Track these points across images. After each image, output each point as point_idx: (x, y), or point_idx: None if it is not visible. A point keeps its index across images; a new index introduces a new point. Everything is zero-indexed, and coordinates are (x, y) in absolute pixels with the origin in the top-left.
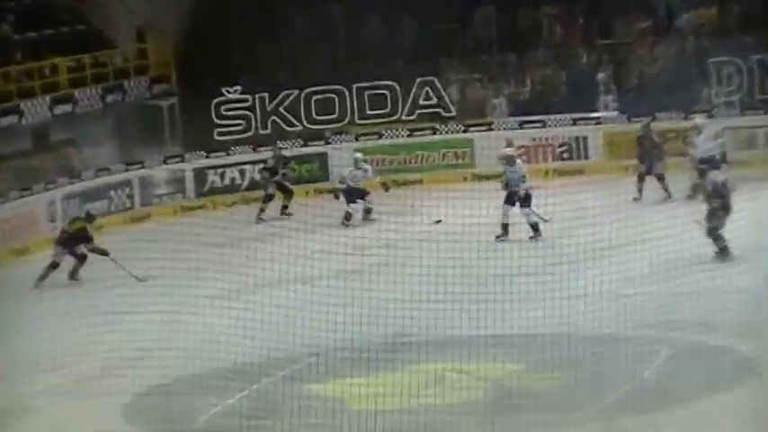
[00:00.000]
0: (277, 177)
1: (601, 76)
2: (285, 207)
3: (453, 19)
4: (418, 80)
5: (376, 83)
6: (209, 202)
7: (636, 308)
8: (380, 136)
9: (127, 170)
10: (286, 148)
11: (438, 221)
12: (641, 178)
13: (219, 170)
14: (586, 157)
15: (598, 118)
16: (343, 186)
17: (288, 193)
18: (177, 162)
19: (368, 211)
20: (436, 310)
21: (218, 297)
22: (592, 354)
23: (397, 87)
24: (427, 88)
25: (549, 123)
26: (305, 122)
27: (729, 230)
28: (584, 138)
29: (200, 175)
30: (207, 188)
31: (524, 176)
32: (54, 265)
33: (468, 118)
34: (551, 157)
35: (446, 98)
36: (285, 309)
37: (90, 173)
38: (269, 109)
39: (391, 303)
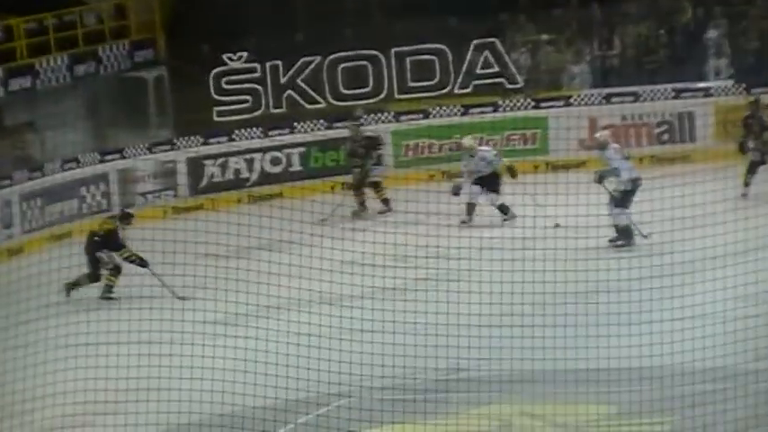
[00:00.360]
0: (362, 163)
1: (711, 34)
2: (385, 201)
3: None
4: (475, 42)
5: (420, 46)
6: (207, 201)
7: (757, 333)
8: (427, 115)
9: (102, 161)
10: (361, 123)
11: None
12: (752, 169)
13: (220, 160)
14: (693, 140)
15: (708, 88)
16: (462, 181)
17: (377, 188)
18: (167, 150)
19: (502, 210)
20: (501, 338)
21: (221, 323)
22: (703, 393)
23: (448, 52)
24: (486, 52)
25: (645, 96)
26: (329, 98)
27: None
28: (690, 114)
29: (195, 166)
30: (205, 184)
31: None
32: (94, 278)
33: (539, 90)
34: (647, 140)
35: (511, 65)
36: (307, 337)
37: (55, 165)
38: (283, 81)
39: (443, 329)
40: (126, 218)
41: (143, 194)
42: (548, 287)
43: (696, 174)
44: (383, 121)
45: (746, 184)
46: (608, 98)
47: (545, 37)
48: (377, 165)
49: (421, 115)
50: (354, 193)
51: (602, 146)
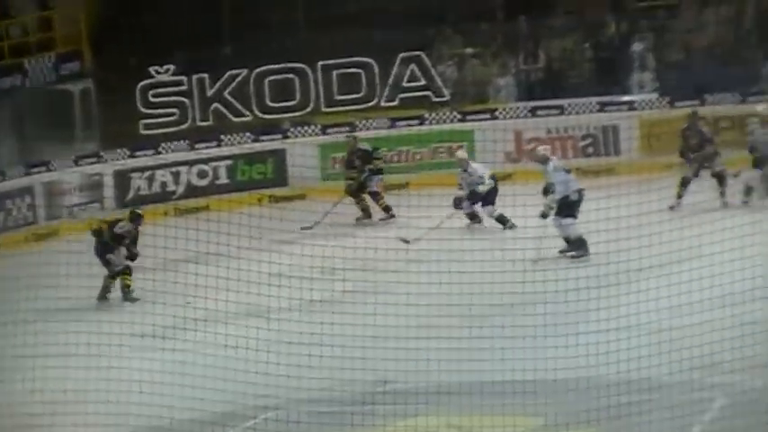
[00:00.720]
0: (359, 175)
1: (636, 48)
2: (386, 209)
3: None
4: (401, 55)
5: (346, 59)
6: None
7: (682, 345)
8: (353, 127)
9: (28, 174)
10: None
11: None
12: (685, 182)
13: (147, 173)
14: (617, 153)
15: (632, 102)
16: (462, 194)
17: (376, 197)
18: (93, 163)
19: (501, 221)
20: (428, 350)
21: (148, 335)
22: (629, 404)
23: (374, 65)
24: (413, 65)
25: (570, 110)
26: (256, 111)
27: None
28: (615, 128)
29: (122, 179)
30: (131, 196)
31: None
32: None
33: (465, 104)
34: (573, 153)
35: (437, 78)
36: (234, 350)
37: None
38: (210, 94)
39: (370, 341)
40: (136, 218)
41: (69, 207)
42: (475, 299)
43: (621, 186)
44: (310, 134)
45: (679, 196)
46: (533, 111)
47: (470, 50)
48: (375, 174)
49: (348, 128)
50: (355, 201)
51: (543, 160)
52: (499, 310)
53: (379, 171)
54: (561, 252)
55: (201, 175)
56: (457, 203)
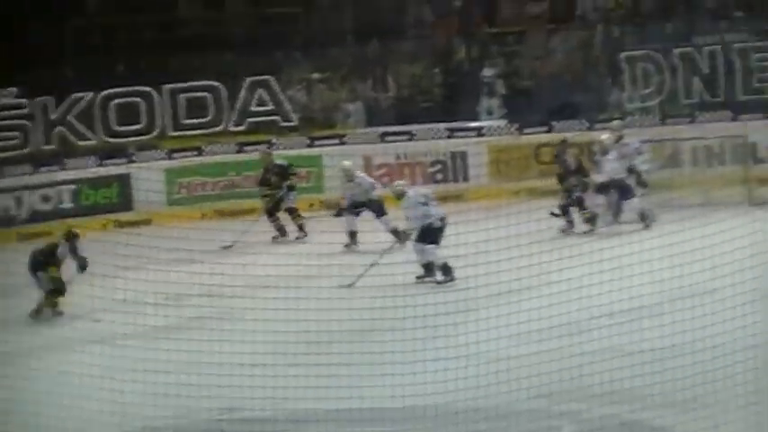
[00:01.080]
0: (276, 192)
1: (485, 74)
2: (301, 227)
3: (294, 1)
4: (249, 79)
5: (193, 83)
6: None
7: (528, 372)
8: (200, 152)
9: None
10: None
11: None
12: (565, 209)
13: None
14: (466, 179)
15: (481, 128)
16: (344, 203)
17: (293, 214)
18: None
19: (395, 234)
20: (275, 377)
21: None
22: None
23: (222, 88)
24: (261, 90)
25: (419, 135)
26: (101, 135)
27: (644, 275)
28: (463, 154)
29: None
30: None
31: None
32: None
33: (314, 129)
34: (422, 180)
35: (285, 103)
36: (77, 377)
37: None
38: (54, 117)
39: (216, 368)
40: (72, 238)
41: None
42: (323, 326)
43: (469, 212)
44: (155, 158)
45: (568, 222)
46: (382, 137)
47: (317, 75)
48: (291, 191)
49: (195, 153)
50: (270, 220)
51: (399, 196)
52: (348, 336)
53: (293, 187)
54: (419, 278)
55: (45, 199)
56: (338, 213)
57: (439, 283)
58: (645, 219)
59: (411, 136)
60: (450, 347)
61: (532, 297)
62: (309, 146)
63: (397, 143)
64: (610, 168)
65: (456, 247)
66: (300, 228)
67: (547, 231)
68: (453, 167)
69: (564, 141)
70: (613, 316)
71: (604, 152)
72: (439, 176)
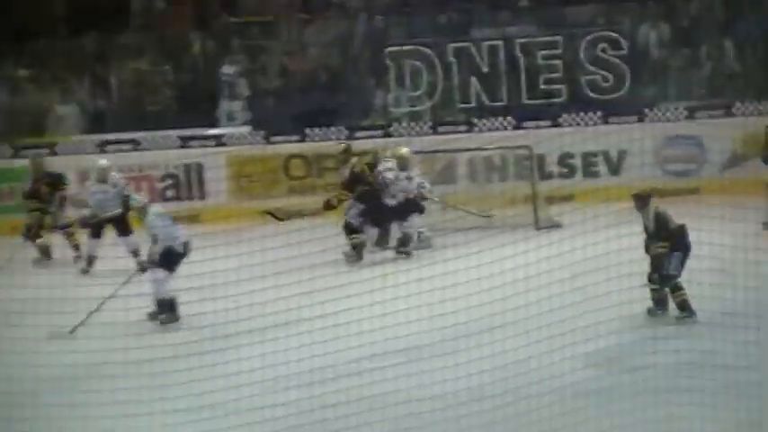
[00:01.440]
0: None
1: (225, 71)
2: (76, 247)
3: None
4: None
5: None
6: None
7: (273, 428)
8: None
9: None
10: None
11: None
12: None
13: None
14: (203, 197)
15: (221, 136)
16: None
17: (67, 232)
18: None
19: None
20: None
21: None
22: None
23: None
24: None
25: (146, 144)
26: None
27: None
28: (200, 166)
29: None
30: None
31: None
32: None
33: (20, 136)
34: (151, 196)
35: None
36: None
37: None
38: None
39: None
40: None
41: None
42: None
43: (207, 237)
44: None
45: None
46: (102, 146)
47: (24, 72)
48: (61, 207)
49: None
50: (32, 240)
51: (139, 212)
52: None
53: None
54: (149, 315)
55: None
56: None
57: (162, 323)
58: (420, 243)
59: (137, 145)
60: (185, 396)
61: (279, 337)
62: (13, 156)
63: (121, 153)
64: (405, 187)
65: (189, 279)
66: (75, 248)
67: (299, 259)
68: (187, 182)
69: (348, 149)
70: (374, 359)
71: (403, 168)
72: (170, 193)
